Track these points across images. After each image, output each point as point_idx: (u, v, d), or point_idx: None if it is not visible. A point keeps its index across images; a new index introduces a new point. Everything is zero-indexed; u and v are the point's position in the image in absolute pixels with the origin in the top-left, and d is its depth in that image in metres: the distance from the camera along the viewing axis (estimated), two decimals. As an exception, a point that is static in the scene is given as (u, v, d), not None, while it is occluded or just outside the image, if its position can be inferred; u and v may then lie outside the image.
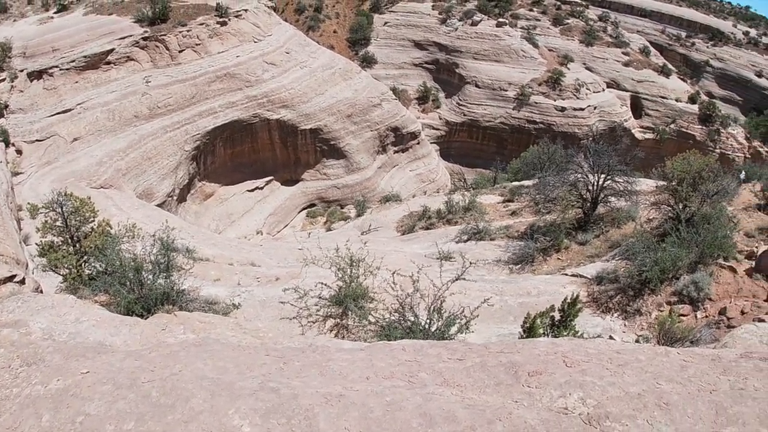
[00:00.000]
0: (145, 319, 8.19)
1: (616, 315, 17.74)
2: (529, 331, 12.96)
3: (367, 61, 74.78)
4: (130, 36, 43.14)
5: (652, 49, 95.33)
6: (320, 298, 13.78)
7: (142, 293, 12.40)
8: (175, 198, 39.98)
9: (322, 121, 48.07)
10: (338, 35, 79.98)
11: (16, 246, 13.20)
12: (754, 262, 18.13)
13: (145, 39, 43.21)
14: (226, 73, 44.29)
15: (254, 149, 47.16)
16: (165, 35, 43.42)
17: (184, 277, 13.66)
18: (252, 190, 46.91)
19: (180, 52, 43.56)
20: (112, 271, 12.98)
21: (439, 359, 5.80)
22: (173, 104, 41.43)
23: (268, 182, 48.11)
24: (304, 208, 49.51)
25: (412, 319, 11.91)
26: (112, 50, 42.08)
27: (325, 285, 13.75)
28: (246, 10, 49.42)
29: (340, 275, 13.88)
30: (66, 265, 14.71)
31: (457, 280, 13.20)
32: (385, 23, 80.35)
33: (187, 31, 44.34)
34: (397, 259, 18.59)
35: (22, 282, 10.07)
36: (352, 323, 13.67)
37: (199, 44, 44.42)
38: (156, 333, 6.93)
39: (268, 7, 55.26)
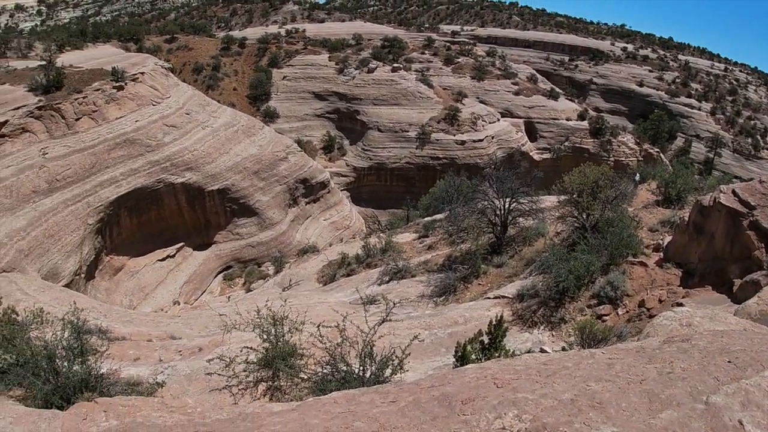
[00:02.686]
0: (65, 410, 7.71)
1: (542, 327, 18.21)
2: (462, 359, 12.99)
3: (270, 116, 74.86)
4: (24, 106, 40.74)
5: (539, 76, 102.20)
6: (248, 363, 13.35)
7: (59, 383, 11.64)
8: (83, 276, 37.83)
9: (228, 180, 47.45)
10: (238, 92, 79.80)
11: None
12: (662, 253, 19.29)
13: (39, 108, 41.08)
14: (126, 140, 42.95)
15: (161, 216, 45.65)
16: (60, 103, 41.54)
17: (101, 360, 12.92)
18: (163, 260, 45.15)
19: (77, 120, 41.77)
20: (24, 362, 12.11)
21: (372, 405, 5.72)
22: (72, 176, 39.50)
23: (179, 249, 46.52)
24: (220, 272, 48.11)
25: (345, 368, 11.77)
26: (5, 122, 39.62)
27: (251, 349, 13.37)
28: (143, 73, 48.39)
29: (264, 337, 13.57)
30: (-29, 361, 13.56)
31: (383, 322, 13.21)
32: (284, 77, 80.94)
33: (83, 97, 42.71)
34: (321, 311, 18.43)
35: None
36: (284, 384, 13.33)
37: (96, 111, 42.88)
38: (77, 424, 6.52)
39: (165, 68, 54.39)
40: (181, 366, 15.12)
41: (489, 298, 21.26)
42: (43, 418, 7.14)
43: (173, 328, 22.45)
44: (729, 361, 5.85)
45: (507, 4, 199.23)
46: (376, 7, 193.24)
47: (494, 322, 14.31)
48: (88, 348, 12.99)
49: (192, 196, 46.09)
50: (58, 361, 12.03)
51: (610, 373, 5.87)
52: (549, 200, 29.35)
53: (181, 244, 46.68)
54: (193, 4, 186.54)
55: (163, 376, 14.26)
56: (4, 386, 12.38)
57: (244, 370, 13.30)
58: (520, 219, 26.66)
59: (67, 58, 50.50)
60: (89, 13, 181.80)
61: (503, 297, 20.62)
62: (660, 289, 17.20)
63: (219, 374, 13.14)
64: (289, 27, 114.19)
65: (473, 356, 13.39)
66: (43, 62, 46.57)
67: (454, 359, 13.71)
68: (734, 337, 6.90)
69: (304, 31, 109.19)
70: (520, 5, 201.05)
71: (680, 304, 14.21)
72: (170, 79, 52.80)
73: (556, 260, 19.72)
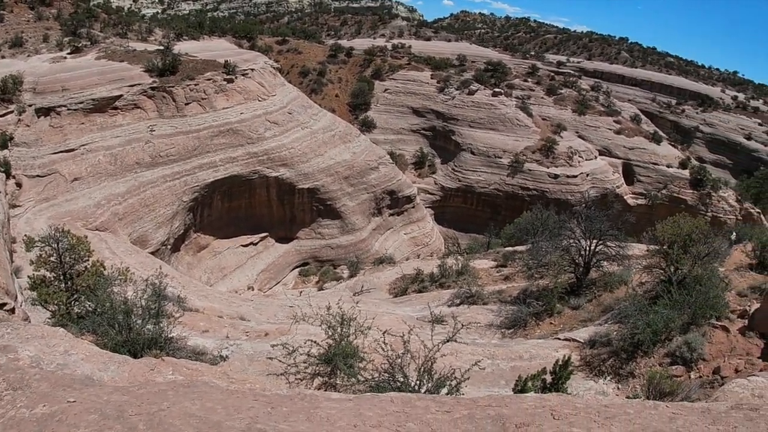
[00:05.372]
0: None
1: (608, 378, 17.54)
2: (521, 393, 12.93)
3: (367, 126, 76.08)
4: (139, 84, 43.87)
5: (643, 117, 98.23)
6: (309, 355, 13.61)
7: (130, 337, 12.34)
8: (169, 247, 39.83)
9: (319, 181, 48.61)
10: (340, 99, 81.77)
11: (7, 276, 13.14)
12: (747, 321, 18.09)
13: (153, 89, 43.97)
14: (229, 129, 44.99)
15: (251, 205, 47.42)
16: (173, 87, 44.25)
17: (172, 325, 13.55)
18: (246, 245, 46.81)
19: (186, 104, 44.32)
20: (102, 312, 12.93)
21: (427, 411, 5.71)
22: (175, 155, 41.85)
23: (262, 238, 48.10)
24: (296, 267, 49.30)
25: (402, 379, 11.75)
26: (120, 96, 42.72)
27: (315, 342, 13.60)
28: (253, 70, 50.73)
29: (330, 333, 13.77)
30: (55, 301, 14.65)
31: (448, 341, 13.09)
32: (386, 90, 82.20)
33: (195, 84, 45.24)
34: (387, 321, 18.45)
35: (12, 311, 9.91)
36: (340, 382, 13.47)
37: (205, 99, 45.27)
38: (144, 372, 6.89)
39: (274, 68, 56.79)
40: (245, 346, 15.58)
41: (559, 338, 20.63)
42: (113, 361, 7.58)
43: (244, 310, 23.17)
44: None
45: (617, 39, 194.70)
46: (483, 30, 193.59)
47: (560, 363, 13.93)
48: (163, 311, 13.67)
49: (283, 191, 47.58)
50: (133, 317, 12.74)
51: (671, 426, 5.80)
52: (637, 248, 28.33)
53: (265, 234, 48.26)
54: (306, 11, 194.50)
55: (228, 352, 14.74)
56: (78, 330, 13.20)
57: (304, 362, 13.55)
58: (605, 263, 25.64)
59: (183, 47, 53.51)
60: (208, 7, 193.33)
61: (574, 340, 19.97)
62: (738, 359, 16.27)
63: (280, 360, 13.45)
64: (395, 41, 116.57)
65: (532, 392, 13.18)
66: (161, 47, 49.70)
67: (511, 392, 13.46)
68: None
69: (409, 47, 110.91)
70: (629, 42, 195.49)
71: (756, 376, 13.48)
72: (277, 79, 54.97)
73: (636, 311, 18.87)
